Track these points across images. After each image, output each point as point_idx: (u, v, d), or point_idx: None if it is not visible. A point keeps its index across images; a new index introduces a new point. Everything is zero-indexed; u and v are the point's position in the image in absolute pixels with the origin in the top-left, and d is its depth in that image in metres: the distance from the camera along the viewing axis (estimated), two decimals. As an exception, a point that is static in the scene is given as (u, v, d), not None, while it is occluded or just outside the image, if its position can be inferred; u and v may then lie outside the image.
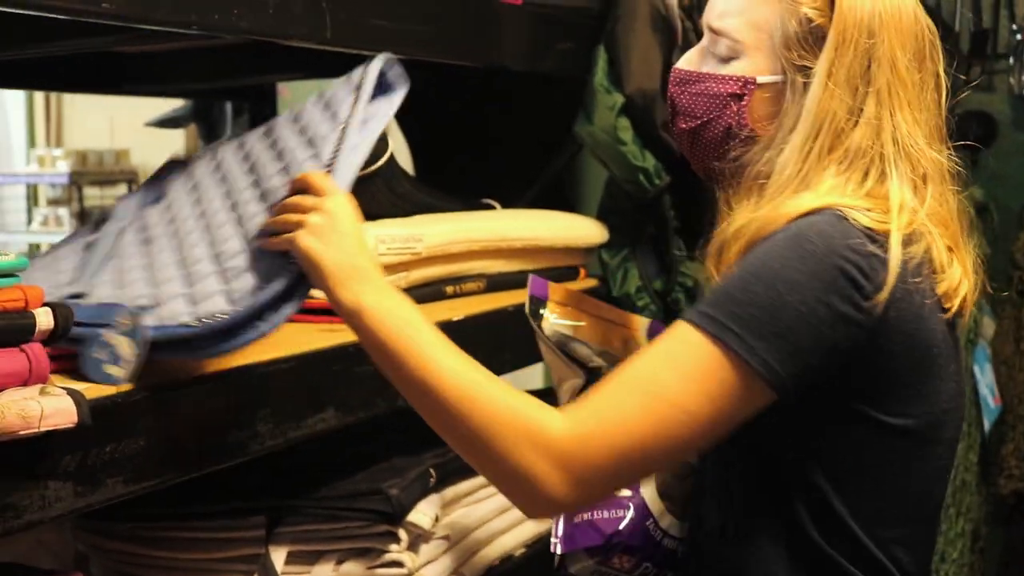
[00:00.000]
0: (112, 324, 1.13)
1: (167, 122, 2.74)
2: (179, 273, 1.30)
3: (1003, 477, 2.78)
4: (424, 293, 1.70)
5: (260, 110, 2.51)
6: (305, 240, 1.18)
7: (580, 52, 1.98)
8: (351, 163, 1.28)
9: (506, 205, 2.05)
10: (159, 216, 1.44)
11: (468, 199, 2.00)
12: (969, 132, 2.81)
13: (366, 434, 1.65)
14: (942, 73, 1.25)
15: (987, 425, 2.76)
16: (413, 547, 1.52)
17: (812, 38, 1.21)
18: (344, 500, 1.49)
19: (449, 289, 1.77)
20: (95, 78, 2.20)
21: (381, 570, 1.49)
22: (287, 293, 1.20)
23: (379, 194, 1.72)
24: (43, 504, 1.02)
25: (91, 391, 1.06)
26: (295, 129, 1.37)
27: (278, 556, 1.49)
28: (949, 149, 1.25)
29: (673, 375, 1.07)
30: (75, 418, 0.99)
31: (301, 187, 1.23)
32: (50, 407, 0.97)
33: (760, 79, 1.23)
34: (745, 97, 1.24)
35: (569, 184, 2.31)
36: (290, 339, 1.39)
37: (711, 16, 1.27)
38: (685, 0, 1.98)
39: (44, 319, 1.02)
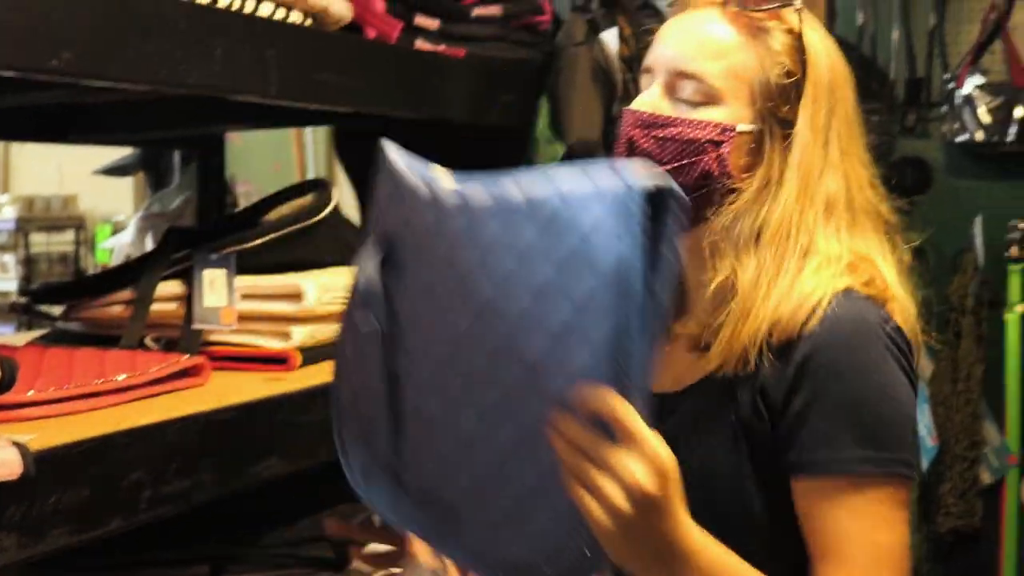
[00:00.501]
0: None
1: (115, 170, 2.75)
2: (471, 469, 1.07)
3: (941, 515, 2.83)
4: (368, 341, 1.72)
5: (209, 159, 2.53)
6: (610, 538, 0.97)
7: (523, 104, 2.02)
8: (646, 366, 0.98)
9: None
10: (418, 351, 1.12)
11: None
12: (905, 178, 2.91)
13: (310, 482, 1.67)
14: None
15: (925, 464, 2.82)
16: (357, 594, 1.54)
17: (790, 89, 1.21)
18: (287, 547, 1.51)
19: (393, 336, 1.80)
20: (43, 128, 2.21)
21: (326, 617, 1.51)
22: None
23: (324, 243, 1.74)
24: (-13, 554, 1.04)
25: (35, 441, 1.08)
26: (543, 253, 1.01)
27: (223, 604, 1.51)
28: (886, 196, 1.27)
29: (889, 534, 1.12)
30: (19, 469, 1.00)
31: (593, 412, 0.96)
32: (-5, 459, 0.98)
33: (740, 127, 1.21)
34: (724, 144, 1.20)
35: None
36: (234, 387, 1.41)
37: (680, 61, 1.21)
38: (624, 51, 2.03)
39: (-12, 372, 1.03)
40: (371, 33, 1.68)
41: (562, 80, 1.99)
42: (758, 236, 1.19)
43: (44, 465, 1.05)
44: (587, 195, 0.97)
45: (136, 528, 1.31)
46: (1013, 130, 2.83)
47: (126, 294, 1.58)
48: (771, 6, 1.22)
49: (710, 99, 1.20)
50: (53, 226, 4.81)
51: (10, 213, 5.22)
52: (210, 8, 1.32)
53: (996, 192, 2.95)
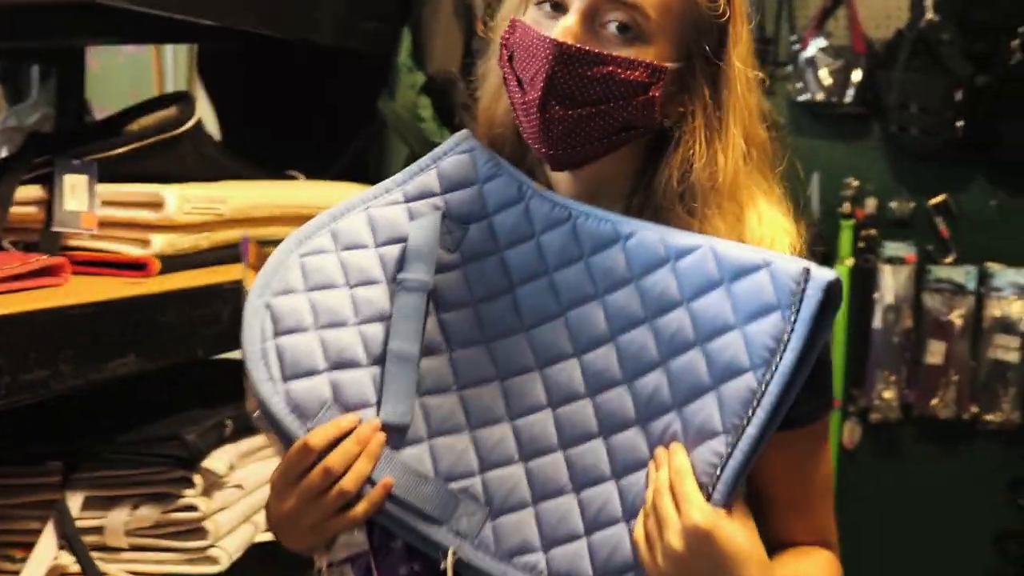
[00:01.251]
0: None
1: (-31, 82, 2.70)
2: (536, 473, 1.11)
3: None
4: (222, 255, 1.76)
5: (68, 74, 2.51)
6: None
7: (386, 32, 2.07)
8: (750, 451, 1.01)
9: (310, 177, 2.13)
10: (476, 334, 1.16)
11: (273, 169, 2.07)
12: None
13: (164, 384, 1.71)
14: None
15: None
16: (207, 493, 1.59)
17: (719, 27, 1.14)
18: (141, 446, 1.55)
19: (251, 252, 1.84)
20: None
21: (176, 514, 1.56)
22: None
23: (186, 156, 1.77)
24: None
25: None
26: (674, 301, 1.07)
27: (74, 501, 1.54)
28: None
29: (829, 465, 1.22)
30: None
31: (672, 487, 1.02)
32: None
33: (668, 66, 1.12)
34: (653, 88, 1.11)
35: (373, 159, 2.40)
36: (92, 288, 1.44)
37: None
38: (487, -9, 2.10)
39: None
40: (241, -50, 1.71)
41: (425, 11, 2.05)
42: (712, 188, 1.13)
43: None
44: (759, 266, 1.03)
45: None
46: (851, 92, 2.99)
47: (-15, 196, 1.60)
48: None
49: (642, 33, 1.10)
50: None
51: None
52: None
53: (833, 151, 3.11)
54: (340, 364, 1.14)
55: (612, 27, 1.10)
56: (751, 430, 1.00)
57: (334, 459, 1.09)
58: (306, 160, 2.15)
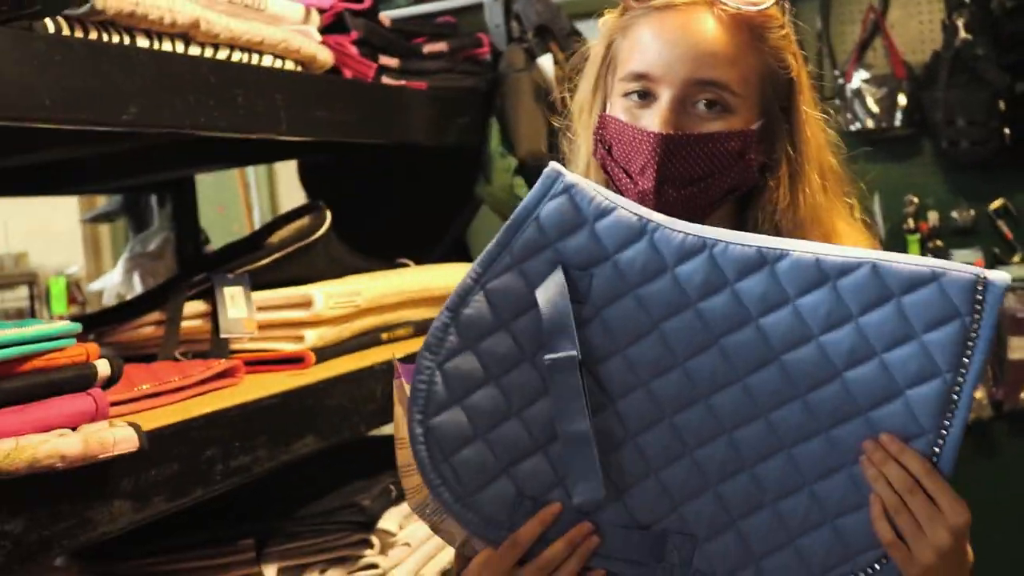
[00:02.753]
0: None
1: (100, 217, 2.96)
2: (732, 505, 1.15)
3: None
4: (364, 340, 1.97)
5: (182, 200, 2.76)
6: (923, 564, 1.09)
7: (475, 125, 2.29)
8: (956, 447, 1.10)
9: (419, 263, 2.34)
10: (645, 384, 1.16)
11: (387, 261, 2.29)
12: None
13: (331, 464, 1.92)
14: None
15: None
16: (383, 552, 1.79)
17: (789, 83, 1.26)
18: (322, 516, 1.75)
19: (384, 335, 2.05)
20: (39, 181, 2.43)
21: (359, 573, 1.75)
22: None
23: (318, 260, 1.99)
24: (111, 518, 1.27)
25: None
26: (842, 318, 1.11)
27: (270, 573, 1.74)
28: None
29: None
30: (137, 443, 1.24)
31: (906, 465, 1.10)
32: (119, 436, 1.23)
33: (754, 127, 1.23)
34: (748, 151, 1.23)
35: (473, 240, 2.62)
36: (264, 384, 1.65)
37: (697, 69, 1.21)
38: (559, 73, 2.31)
39: (103, 369, 1.27)
40: (348, 74, 1.94)
41: (508, 102, 2.27)
42: (799, 226, 1.26)
43: (149, 442, 1.29)
44: (928, 278, 1.09)
45: (183, 516, 1.55)
46: (899, 116, 3.16)
47: (155, 315, 1.82)
48: (766, 4, 1.25)
49: (730, 106, 1.21)
50: (6, 283, 4.96)
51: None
52: (230, 63, 1.57)
53: (889, 172, 3.26)
54: (514, 460, 1.16)
55: (701, 106, 1.21)
56: (954, 429, 1.08)
57: (545, 560, 1.16)
58: (414, 248, 2.37)
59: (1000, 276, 1.09)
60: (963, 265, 1.11)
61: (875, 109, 3.17)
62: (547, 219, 1.17)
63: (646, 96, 1.24)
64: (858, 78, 3.18)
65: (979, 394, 3.14)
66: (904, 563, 1.10)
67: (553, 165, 1.19)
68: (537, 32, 2.34)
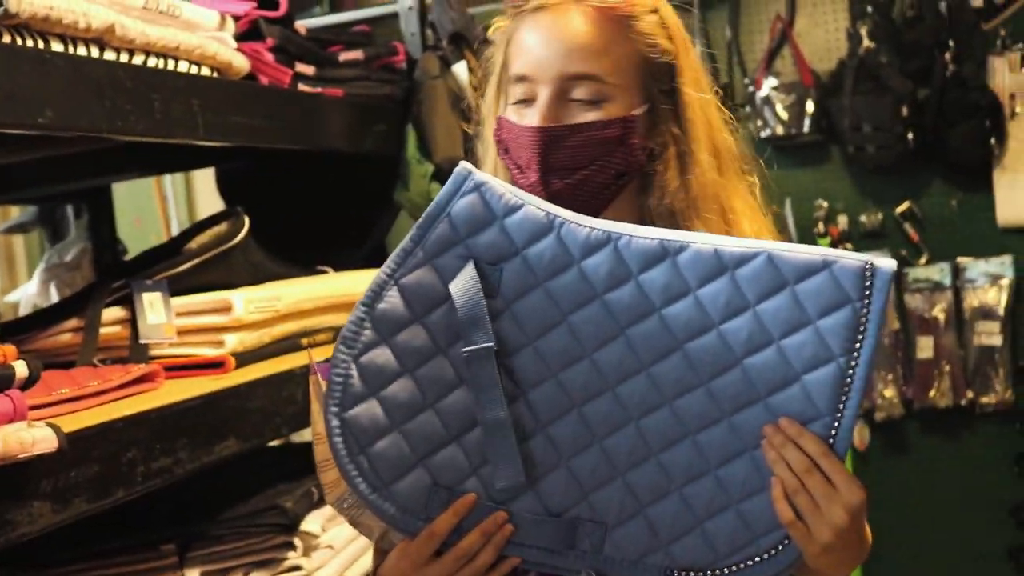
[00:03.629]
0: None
1: (15, 228, 2.93)
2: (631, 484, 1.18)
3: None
4: (284, 346, 1.98)
5: (99, 210, 2.75)
6: (820, 542, 1.13)
7: (392, 132, 2.32)
8: (850, 428, 1.15)
9: (338, 269, 2.35)
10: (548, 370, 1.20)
11: (306, 267, 2.30)
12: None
13: (253, 468, 1.92)
14: None
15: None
16: (306, 554, 1.80)
17: (667, 65, 1.31)
18: (245, 519, 1.76)
19: (304, 341, 2.06)
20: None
21: (283, 575, 1.76)
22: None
23: (237, 265, 2.00)
24: (30, 519, 1.27)
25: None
26: (740, 307, 1.15)
27: (192, 577, 1.75)
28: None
29: None
30: (56, 444, 1.25)
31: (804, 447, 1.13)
32: (38, 436, 1.23)
33: (635, 113, 1.28)
34: (629, 136, 1.28)
35: (392, 246, 2.63)
36: (185, 388, 1.65)
37: (568, 64, 1.26)
38: (473, 80, 2.35)
39: (21, 370, 1.27)
40: (264, 80, 1.95)
41: (424, 109, 2.29)
42: (692, 206, 1.30)
43: (69, 443, 1.30)
44: (820, 266, 1.14)
45: (100, 519, 1.55)
46: (807, 122, 3.25)
47: (73, 322, 1.81)
48: None
49: (605, 96, 1.27)
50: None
51: None
52: (146, 68, 1.58)
53: (800, 178, 3.35)
54: (429, 451, 1.19)
55: (578, 96, 1.27)
56: (848, 411, 1.13)
57: (462, 551, 1.19)
58: (333, 254, 2.38)
59: (887, 263, 1.15)
60: (853, 253, 1.16)
61: (784, 116, 3.25)
62: (458, 216, 1.21)
63: (528, 101, 1.30)
64: (767, 86, 3.27)
65: (890, 392, 3.23)
66: (804, 541, 1.14)
67: (463, 164, 1.24)
68: (452, 40, 2.37)
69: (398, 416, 1.20)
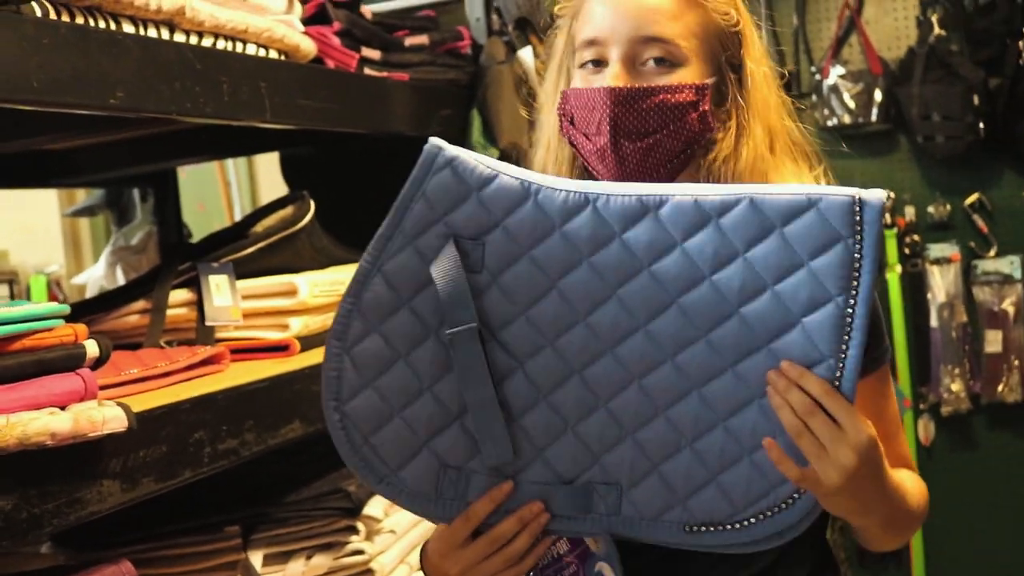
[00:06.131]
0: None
1: (83, 211, 2.97)
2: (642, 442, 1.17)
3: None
4: (348, 330, 1.99)
5: (165, 194, 2.77)
6: (832, 484, 1.11)
7: (457, 117, 2.31)
8: (855, 368, 1.12)
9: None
10: (545, 337, 1.19)
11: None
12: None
13: (317, 451, 1.92)
14: None
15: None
16: (369, 538, 1.80)
17: (734, 35, 1.31)
18: (309, 502, 1.76)
19: (368, 326, 2.07)
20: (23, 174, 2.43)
21: (346, 559, 1.76)
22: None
23: (302, 249, 2.00)
24: (99, 498, 1.28)
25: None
26: (729, 256, 1.14)
27: (255, 559, 1.75)
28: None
29: (896, 407, 1.34)
30: (126, 423, 1.25)
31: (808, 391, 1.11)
32: (108, 415, 1.23)
33: (708, 82, 1.27)
34: (701, 103, 1.26)
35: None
36: (250, 370, 1.66)
37: (640, 27, 1.25)
38: (539, 66, 2.33)
39: (92, 349, 1.28)
40: (331, 64, 1.95)
41: (490, 94, 2.28)
42: (739, 179, 1.28)
43: (139, 423, 1.30)
44: (806, 205, 1.11)
45: (169, 504, 1.55)
46: (875, 111, 3.19)
47: (141, 304, 1.82)
48: None
49: (678, 60, 1.26)
50: (-15, 281, 4.93)
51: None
52: (215, 50, 1.58)
53: (867, 168, 3.30)
54: (432, 433, 1.20)
55: (651, 63, 1.27)
56: (852, 351, 1.11)
57: (496, 536, 1.21)
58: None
59: (875, 193, 1.11)
60: (838, 188, 1.13)
61: (851, 105, 3.20)
62: (433, 193, 1.20)
63: (599, 63, 1.29)
64: (835, 74, 3.21)
65: (957, 387, 3.18)
66: (815, 488, 1.12)
67: (433, 140, 1.22)
68: (517, 25, 2.36)
69: (397, 402, 1.20)
